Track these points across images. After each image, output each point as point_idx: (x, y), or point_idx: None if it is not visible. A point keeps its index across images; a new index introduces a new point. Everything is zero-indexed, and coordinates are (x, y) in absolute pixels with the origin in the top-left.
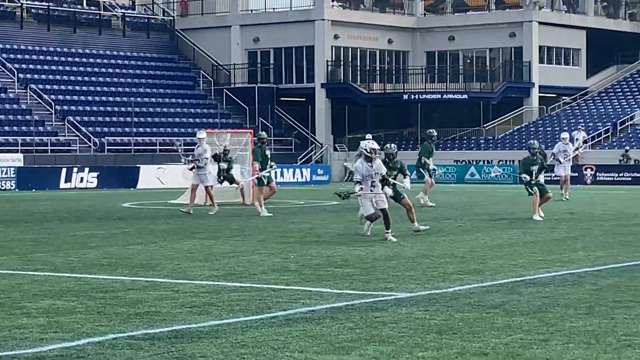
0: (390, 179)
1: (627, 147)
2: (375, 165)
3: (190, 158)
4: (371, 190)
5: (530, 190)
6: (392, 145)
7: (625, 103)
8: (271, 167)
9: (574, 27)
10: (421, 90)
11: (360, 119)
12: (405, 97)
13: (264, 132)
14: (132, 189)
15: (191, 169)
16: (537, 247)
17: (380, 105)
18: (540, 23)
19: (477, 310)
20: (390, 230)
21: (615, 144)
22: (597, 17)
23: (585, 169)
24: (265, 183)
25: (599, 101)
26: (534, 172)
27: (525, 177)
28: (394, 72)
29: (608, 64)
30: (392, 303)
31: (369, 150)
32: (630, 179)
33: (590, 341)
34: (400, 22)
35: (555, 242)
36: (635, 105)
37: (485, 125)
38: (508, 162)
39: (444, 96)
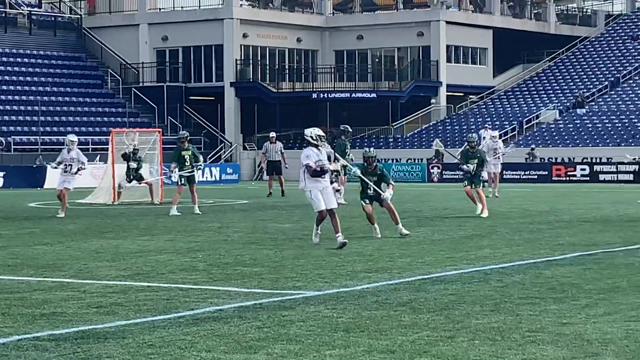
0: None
1: (533, 146)
2: (322, 152)
3: (55, 164)
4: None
5: (466, 182)
6: (371, 149)
7: (531, 102)
8: (198, 167)
9: (480, 27)
10: (330, 89)
11: (270, 117)
12: (314, 96)
13: (184, 132)
14: (38, 188)
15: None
16: (445, 245)
17: (290, 104)
18: (447, 22)
19: (384, 308)
20: (339, 233)
21: (521, 142)
22: (504, 16)
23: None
24: (180, 183)
25: (506, 100)
26: (473, 165)
27: (467, 166)
28: (303, 71)
29: (514, 63)
30: (300, 302)
31: (314, 137)
32: (536, 177)
33: (495, 337)
34: (309, 21)
35: (462, 239)
36: (541, 104)
37: (393, 124)
38: (416, 161)
39: (353, 95)
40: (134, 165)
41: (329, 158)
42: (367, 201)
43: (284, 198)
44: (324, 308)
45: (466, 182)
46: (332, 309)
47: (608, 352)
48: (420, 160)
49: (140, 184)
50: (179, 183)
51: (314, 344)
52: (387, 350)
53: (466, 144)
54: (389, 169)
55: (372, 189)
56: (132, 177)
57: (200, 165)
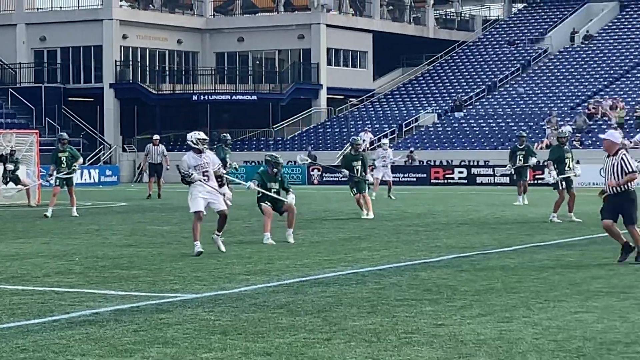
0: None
1: (412, 148)
2: (204, 156)
3: None
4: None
5: (354, 190)
6: (276, 154)
7: (410, 105)
8: (73, 169)
9: (360, 30)
10: (211, 91)
11: (150, 119)
12: (195, 97)
13: (63, 133)
14: None
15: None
16: (323, 247)
17: (170, 106)
18: (327, 25)
19: (262, 310)
20: (220, 234)
21: (400, 145)
22: (383, 20)
23: (372, 169)
24: (56, 184)
25: (385, 103)
26: (356, 168)
27: (343, 172)
28: (183, 73)
29: (394, 67)
30: (178, 304)
31: (194, 141)
32: (415, 179)
33: (371, 339)
34: (190, 23)
35: (341, 241)
36: (420, 107)
37: (274, 126)
38: (297, 163)
39: (234, 97)
40: (10, 167)
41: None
42: (269, 203)
43: (163, 200)
44: (202, 311)
45: (354, 189)
46: (209, 312)
47: (481, 353)
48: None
49: (17, 186)
50: (55, 184)
51: (191, 347)
52: (264, 353)
53: (349, 145)
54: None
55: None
56: (8, 179)
57: (76, 166)
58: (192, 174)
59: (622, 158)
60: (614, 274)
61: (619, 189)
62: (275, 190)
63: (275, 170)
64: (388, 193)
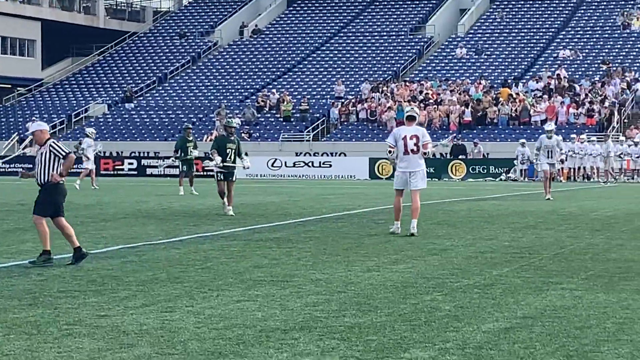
0: None
1: (81, 139)
2: None
3: None
4: None
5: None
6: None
7: (80, 95)
8: None
9: (29, 18)
10: None
11: None
12: None
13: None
14: None
15: None
16: None
17: None
18: None
19: None
20: None
21: (69, 135)
22: (53, 8)
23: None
24: None
25: (54, 93)
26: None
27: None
28: None
29: (63, 56)
30: None
31: None
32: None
33: (32, 332)
34: None
35: (4, 233)
36: (90, 98)
37: None
38: None
39: None
40: None
41: None
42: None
43: None
44: None
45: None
46: None
47: (143, 343)
48: None
49: None
50: None
51: None
52: None
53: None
54: None
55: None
56: None
57: None
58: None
59: (51, 146)
60: (276, 264)
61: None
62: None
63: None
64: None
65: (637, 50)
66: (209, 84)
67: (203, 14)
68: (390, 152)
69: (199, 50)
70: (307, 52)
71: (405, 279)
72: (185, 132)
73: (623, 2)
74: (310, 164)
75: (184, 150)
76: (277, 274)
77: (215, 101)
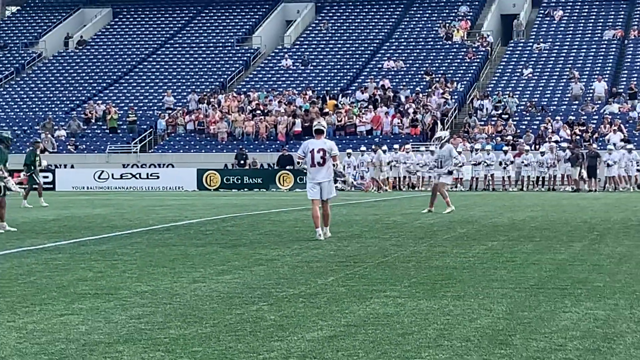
0: None
1: None
2: None
3: None
4: None
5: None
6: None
7: None
8: None
9: None
10: None
11: None
12: None
13: None
14: None
15: None
16: None
17: None
18: None
19: None
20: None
21: None
22: None
23: None
24: None
25: None
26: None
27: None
28: None
29: None
30: None
31: None
32: None
33: None
34: None
35: None
36: None
37: None
38: None
39: None
40: None
41: None
42: None
43: None
44: None
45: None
46: None
47: None
48: None
49: None
50: None
51: None
52: None
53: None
54: None
55: None
56: None
57: None
58: None
59: None
60: (101, 276)
61: None
62: None
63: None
64: None
65: (458, 61)
66: (33, 96)
67: (27, 24)
68: (298, 163)
69: (23, 61)
70: (134, 63)
71: (231, 289)
72: (35, 146)
73: (445, 14)
74: (137, 176)
75: (33, 164)
76: (102, 286)
77: (40, 113)
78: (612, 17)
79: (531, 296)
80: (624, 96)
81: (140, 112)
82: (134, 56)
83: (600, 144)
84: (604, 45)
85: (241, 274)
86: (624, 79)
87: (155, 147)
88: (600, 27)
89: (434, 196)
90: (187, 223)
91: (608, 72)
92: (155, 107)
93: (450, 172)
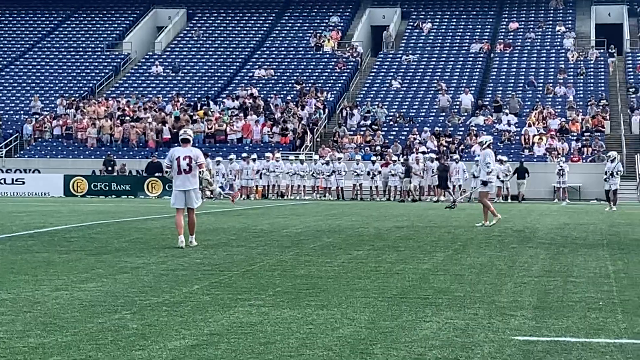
0: None
1: None
2: None
3: None
4: None
5: None
6: None
7: None
8: None
9: None
10: None
11: None
12: None
13: None
14: None
15: None
16: None
17: None
18: None
19: None
20: None
21: None
22: None
23: None
24: None
25: None
26: None
27: None
28: None
29: None
30: None
31: None
32: None
33: None
34: None
35: None
36: None
37: None
38: None
39: None
40: None
41: None
42: None
43: None
44: None
45: None
46: None
47: None
48: None
49: None
50: None
51: None
52: None
53: None
54: None
55: None
56: None
57: None
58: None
59: None
60: None
61: None
62: None
63: None
64: None
65: (329, 70)
66: None
67: None
68: (167, 172)
69: None
70: (0, 67)
71: (93, 297)
72: None
73: (316, 24)
74: (2, 181)
75: None
76: None
77: None
78: (479, 30)
79: (393, 305)
80: (489, 108)
81: (7, 116)
82: (1, 59)
83: (465, 155)
84: (471, 58)
85: (105, 282)
86: (490, 91)
87: (21, 152)
88: (467, 41)
89: (484, 208)
90: (52, 230)
91: (474, 84)
92: (22, 112)
93: (484, 183)
